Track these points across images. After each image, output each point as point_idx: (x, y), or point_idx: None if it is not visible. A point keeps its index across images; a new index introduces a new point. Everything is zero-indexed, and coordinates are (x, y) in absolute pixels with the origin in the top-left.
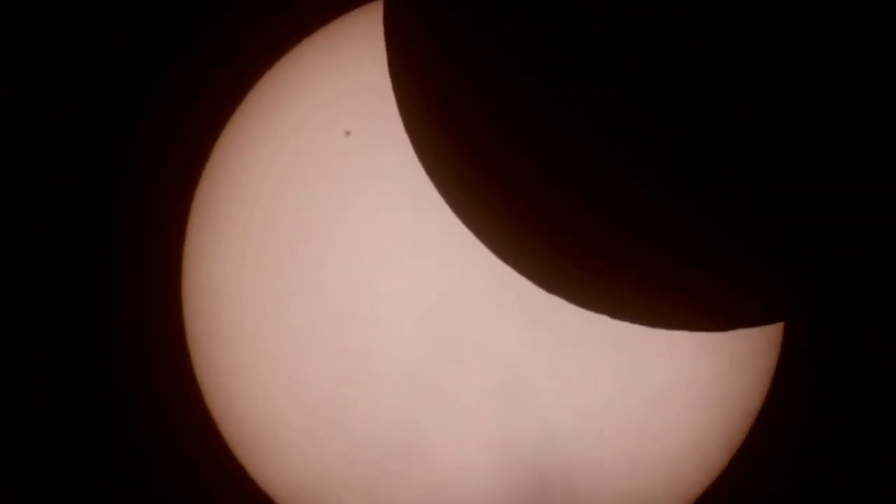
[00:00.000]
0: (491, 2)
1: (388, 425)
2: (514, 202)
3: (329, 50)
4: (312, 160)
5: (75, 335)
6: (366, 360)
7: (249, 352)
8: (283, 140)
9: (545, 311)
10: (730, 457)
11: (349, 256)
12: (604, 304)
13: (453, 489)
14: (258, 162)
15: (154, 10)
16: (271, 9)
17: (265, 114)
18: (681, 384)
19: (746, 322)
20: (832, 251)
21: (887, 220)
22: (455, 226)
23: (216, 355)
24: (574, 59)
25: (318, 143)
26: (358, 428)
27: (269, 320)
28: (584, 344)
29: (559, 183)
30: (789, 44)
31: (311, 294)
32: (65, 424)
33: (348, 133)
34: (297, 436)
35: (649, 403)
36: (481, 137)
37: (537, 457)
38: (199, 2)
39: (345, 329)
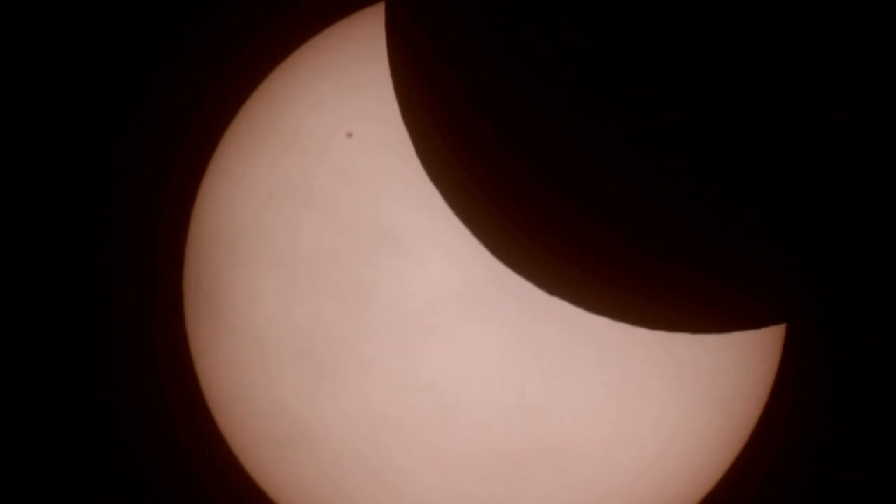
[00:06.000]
0: (492, 4)
1: (390, 426)
2: (516, 204)
3: (331, 52)
4: (314, 162)
5: (76, 336)
6: (368, 361)
7: (251, 352)
8: (285, 141)
9: (545, 312)
10: (732, 460)
11: (351, 257)
12: (606, 306)
13: (454, 491)
14: (260, 163)
15: (156, 11)
16: (273, 11)
17: (267, 115)
18: (682, 386)
19: (750, 324)
20: (838, 252)
21: (893, 222)
22: (456, 227)
23: (218, 356)
24: (576, 62)
25: (319, 145)
26: (360, 429)
27: (272, 321)
28: (584, 346)
29: (562, 184)
30: (805, 41)
31: (314, 295)
32: (65, 425)
33: (350, 135)
34: (298, 436)
35: (650, 406)
36: (483, 139)
37: (537, 460)
38: (201, 5)
39: (346, 330)
